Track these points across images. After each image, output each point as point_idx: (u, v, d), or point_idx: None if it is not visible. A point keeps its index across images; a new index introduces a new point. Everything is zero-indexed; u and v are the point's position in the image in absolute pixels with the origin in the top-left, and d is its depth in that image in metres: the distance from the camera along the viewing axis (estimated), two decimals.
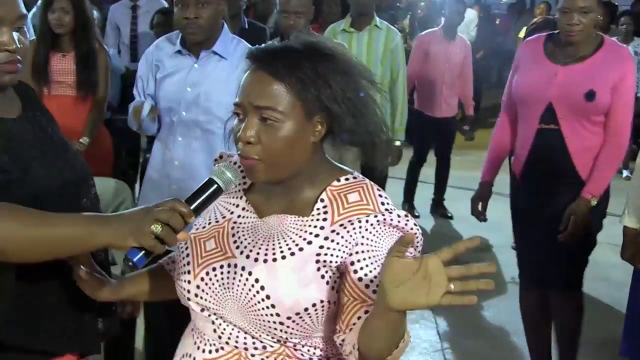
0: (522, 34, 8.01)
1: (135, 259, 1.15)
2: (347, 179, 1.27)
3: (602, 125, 2.60)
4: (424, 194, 5.85)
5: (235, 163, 1.34)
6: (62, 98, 3.55)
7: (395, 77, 4.08)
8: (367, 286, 1.16)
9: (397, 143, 4.05)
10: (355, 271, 1.17)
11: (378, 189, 1.26)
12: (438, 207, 5.59)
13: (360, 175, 1.29)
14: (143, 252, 1.15)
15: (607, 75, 2.54)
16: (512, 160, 2.89)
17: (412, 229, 1.20)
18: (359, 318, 1.15)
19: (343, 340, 1.17)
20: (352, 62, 1.24)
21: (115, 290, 1.39)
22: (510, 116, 2.84)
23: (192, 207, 1.17)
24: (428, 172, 5.82)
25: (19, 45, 1.30)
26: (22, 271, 1.28)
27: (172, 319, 1.74)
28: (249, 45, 2.58)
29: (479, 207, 2.96)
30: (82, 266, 1.32)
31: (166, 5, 4.79)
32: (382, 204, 1.23)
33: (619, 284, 3.69)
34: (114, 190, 2.62)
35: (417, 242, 1.21)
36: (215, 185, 1.20)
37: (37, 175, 1.32)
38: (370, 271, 1.17)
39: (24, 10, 1.34)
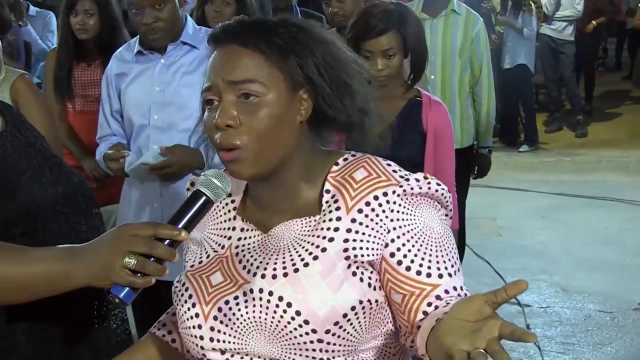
0: None
1: (121, 295, 1.07)
2: (345, 159, 1.22)
3: None
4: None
5: None
6: (89, 114, 3.26)
7: (477, 72, 3.42)
8: (418, 273, 1.13)
9: (483, 151, 3.44)
10: (400, 262, 1.13)
11: (384, 159, 1.21)
12: None
13: (359, 153, 1.23)
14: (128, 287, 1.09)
15: None
16: None
17: (437, 190, 1.18)
18: (424, 313, 1.11)
19: (413, 342, 1.12)
20: (327, 32, 1.22)
21: None
22: None
23: (180, 226, 1.10)
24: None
25: None
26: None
27: None
28: None
29: None
30: None
31: None
32: (395, 171, 1.18)
33: None
34: None
35: (447, 201, 1.20)
36: (204, 197, 1.12)
37: (28, 190, 1.33)
38: (416, 255, 1.13)
39: None
